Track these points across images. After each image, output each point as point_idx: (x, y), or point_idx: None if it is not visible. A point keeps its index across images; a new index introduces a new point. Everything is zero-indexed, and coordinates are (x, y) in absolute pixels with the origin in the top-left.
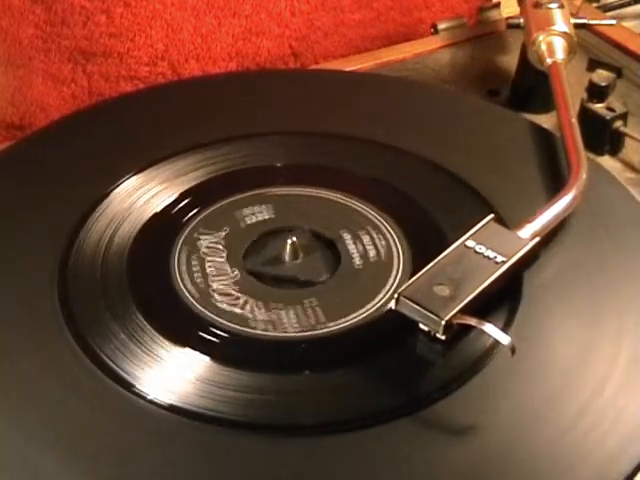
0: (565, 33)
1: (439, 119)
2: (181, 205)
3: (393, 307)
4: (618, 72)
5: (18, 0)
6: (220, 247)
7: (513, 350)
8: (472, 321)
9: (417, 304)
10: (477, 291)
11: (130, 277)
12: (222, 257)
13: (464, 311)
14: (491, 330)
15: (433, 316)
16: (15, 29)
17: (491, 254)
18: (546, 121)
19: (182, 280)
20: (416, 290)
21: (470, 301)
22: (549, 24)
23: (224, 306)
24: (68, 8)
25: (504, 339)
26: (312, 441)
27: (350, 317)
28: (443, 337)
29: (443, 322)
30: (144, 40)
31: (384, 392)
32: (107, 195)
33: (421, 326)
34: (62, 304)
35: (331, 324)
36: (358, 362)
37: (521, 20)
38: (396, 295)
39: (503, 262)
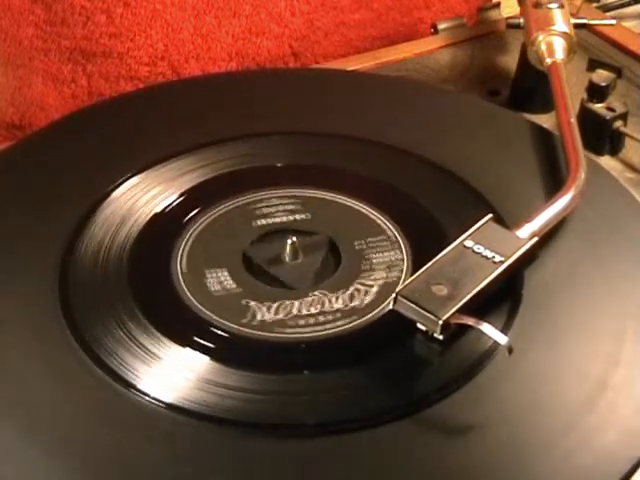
0: (565, 33)
1: (439, 119)
2: (181, 205)
3: (391, 307)
4: (618, 72)
5: (18, 0)
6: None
7: (510, 350)
8: (470, 321)
9: (415, 304)
10: (475, 291)
11: (131, 277)
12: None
13: (462, 311)
14: (488, 330)
15: (431, 316)
16: (15, 29)
17: (489, 254)
18: (546, 121)
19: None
20: (414, 290)
21: (468, 301)
22: (549, 24)
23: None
24: (68, 8)
25: (501, 339)
26: (312, 441)
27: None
28: (441, 337)
29: (440, 322)
30: (144, 40)
31: (384, 392)
32: (108, 195)
33: (419, 326)
34: (62, 304)
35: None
36: (357, 362)
37: (521, 20)
38: (394, 295)
39: (501, 262)
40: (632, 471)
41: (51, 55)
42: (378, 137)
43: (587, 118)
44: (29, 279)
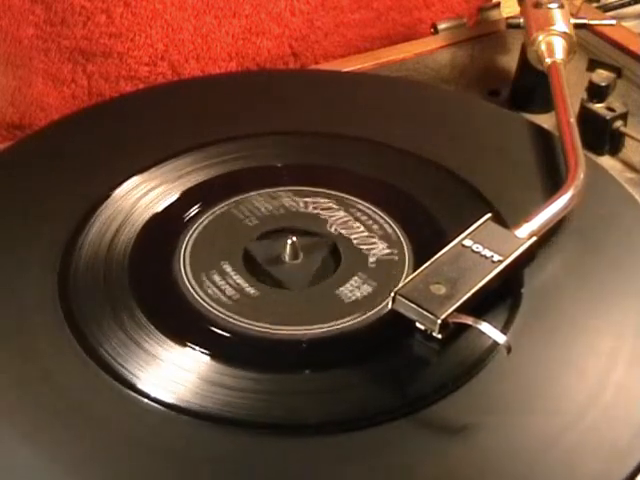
0: (565, 33)
1: (439, 119)
2: (182, 205)
3: (390, 306)
4: (618, 72)
5: (18, 0)
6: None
7: (509, 349)
8: (468, 320)
9: (413, 303)
10: (473, 290)
11: (131, 276)
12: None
13: (460, 310)
14: (487, 329)
15: (429, 315)
16: (15, 29)
17: (488, 253)
18: (546, 121)
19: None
20: (413, 289)
21: (466, 300)
22: (549, 24)
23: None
24: (68, 8)
25: (500, 338)
26: (312, 441)
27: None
28: (439, 336)
29: (439, 321)
30: (144, 40)
31: (384, 392)
32: (108, 195)
33: (418, 325)
34: (63, 304)
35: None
36: (358, 362)
37: (521, 20)
38: (392, 294)
39: (500, 261)
40: (635, 473)
41: (51, 55)
42: (378, 137)
43: (587, 118)
44: (29, 279)
